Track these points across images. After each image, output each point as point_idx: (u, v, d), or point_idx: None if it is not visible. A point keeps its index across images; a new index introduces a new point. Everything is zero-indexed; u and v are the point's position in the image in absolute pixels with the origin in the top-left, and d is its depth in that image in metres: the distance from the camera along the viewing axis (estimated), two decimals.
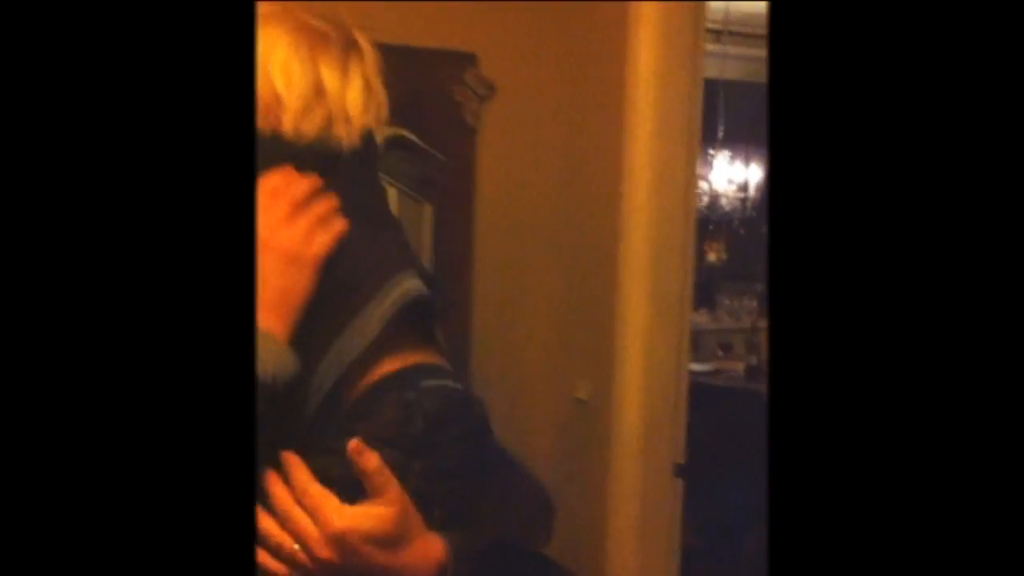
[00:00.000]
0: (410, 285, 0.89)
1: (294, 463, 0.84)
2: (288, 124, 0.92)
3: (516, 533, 1.01)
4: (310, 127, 0.92)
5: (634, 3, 2.26)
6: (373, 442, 0.83)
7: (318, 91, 0.93)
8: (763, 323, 5.01)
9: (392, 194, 1.60)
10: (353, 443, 0.82)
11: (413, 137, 1.42)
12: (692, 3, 2.34)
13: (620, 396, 2.37)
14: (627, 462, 2.38)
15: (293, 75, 0.93)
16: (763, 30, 4.46)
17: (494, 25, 2.21)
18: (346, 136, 0.94)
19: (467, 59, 2.20)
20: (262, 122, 0.91)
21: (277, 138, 0.91)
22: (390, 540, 0.84)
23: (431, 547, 0.87)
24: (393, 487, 0.84)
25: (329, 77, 0.94)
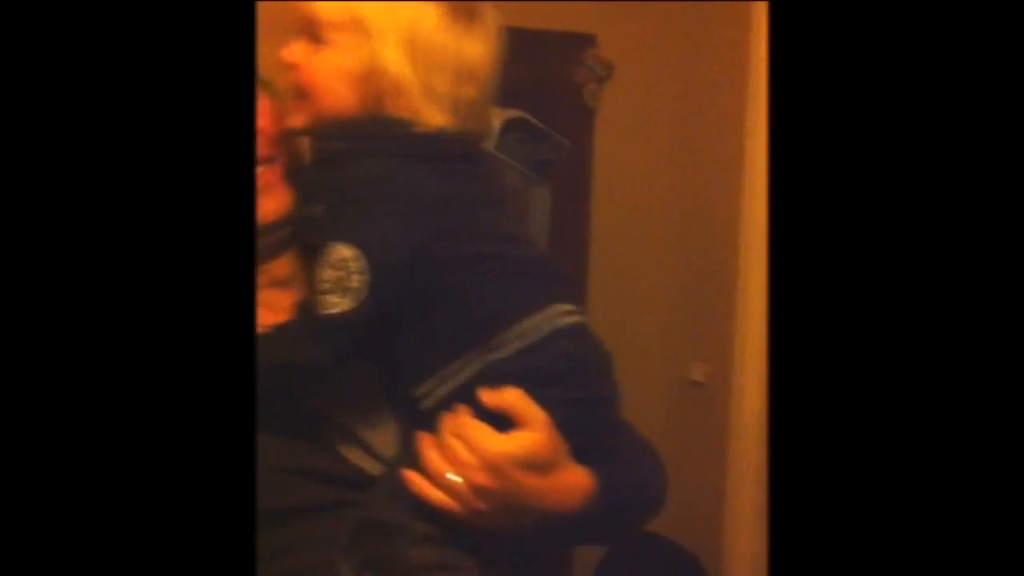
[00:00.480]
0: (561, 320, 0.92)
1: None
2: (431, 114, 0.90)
3: (644, 480, 1.03)
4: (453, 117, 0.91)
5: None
6: (516, 379, 0.88)
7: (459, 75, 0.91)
8: None
9: (511, 174, 1.62)
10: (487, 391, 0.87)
11: (531, 119, 1.43)
12: None
13: (739, 378, 2.34)
14: (745, 446, 2.35)
15: (434, 54, 0.90)
16: None
17: (614, 7, 2.21)
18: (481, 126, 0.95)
19: (587, 40, 2.20)
20: (381, 108, 0.90)
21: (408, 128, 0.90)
22: (540, 465, 0.87)
23: (579, 476, 0.91)
24: (538, 415, 0.88)
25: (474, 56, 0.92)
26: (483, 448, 0.87)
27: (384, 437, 0.97)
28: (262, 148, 0.93)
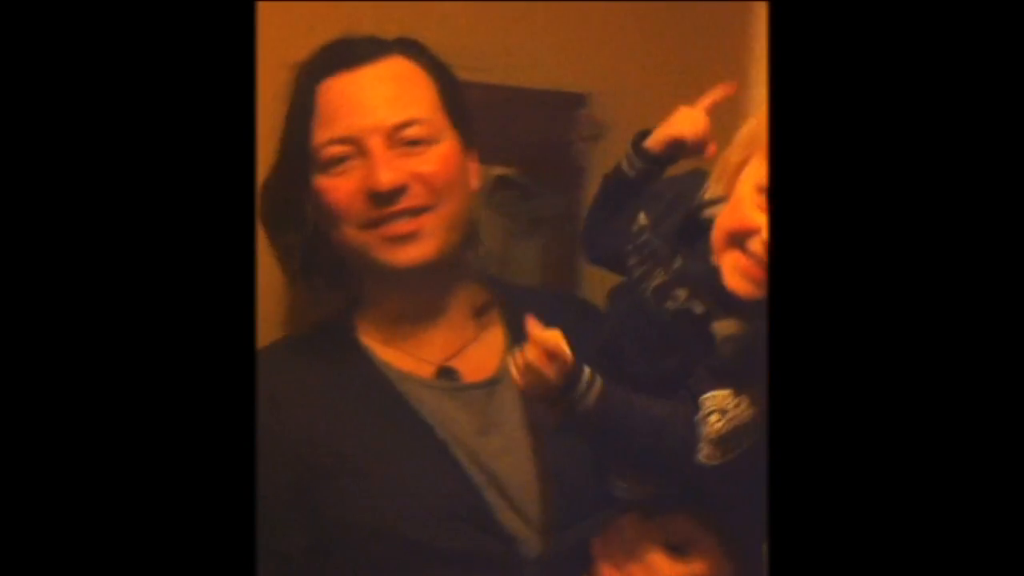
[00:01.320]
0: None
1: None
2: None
3: None
4: None
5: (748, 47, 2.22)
6: None
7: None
8: None
9: (502, 230, 1.62)
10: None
11: (522, 177, 1.45)
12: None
13: None
14: None
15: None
16: None
17: (605, 66, 2.22)
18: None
19: (577, 100, 2.22)
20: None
21: None
22: None
23: None
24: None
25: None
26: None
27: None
28: (425, 195, 0.98)
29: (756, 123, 1.06)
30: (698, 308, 1.09)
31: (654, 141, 1.22)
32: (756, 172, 1.04)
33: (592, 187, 2.30)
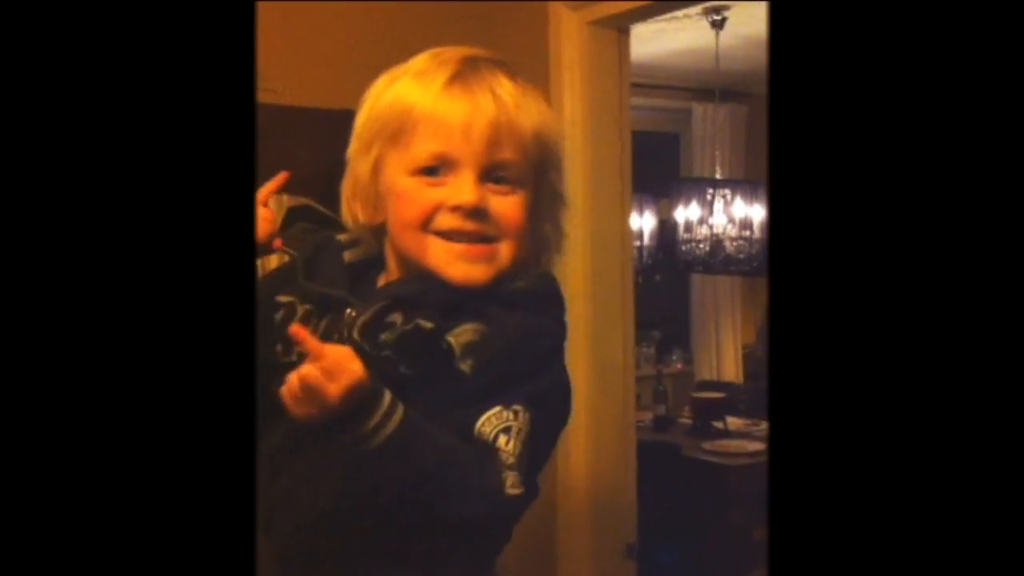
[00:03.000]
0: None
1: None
2: None
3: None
4: None
5: (555, 60, 2.09)
6: None
7: None
8: (667, 369, 4.72)
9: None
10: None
11: (319, 206, 1.32)
12: (618, 57, 2.25)
13: (564, 473, 2.22)
14: (575, 546, 2.21)
15: None
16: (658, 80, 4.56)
17: None
18: None
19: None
20: None
21: None
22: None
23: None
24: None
25: None
26: None
27: None
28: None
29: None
30: (426, 324, 0.94)
31: None
32: (395, 161, 0.98)
33: None
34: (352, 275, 1.03)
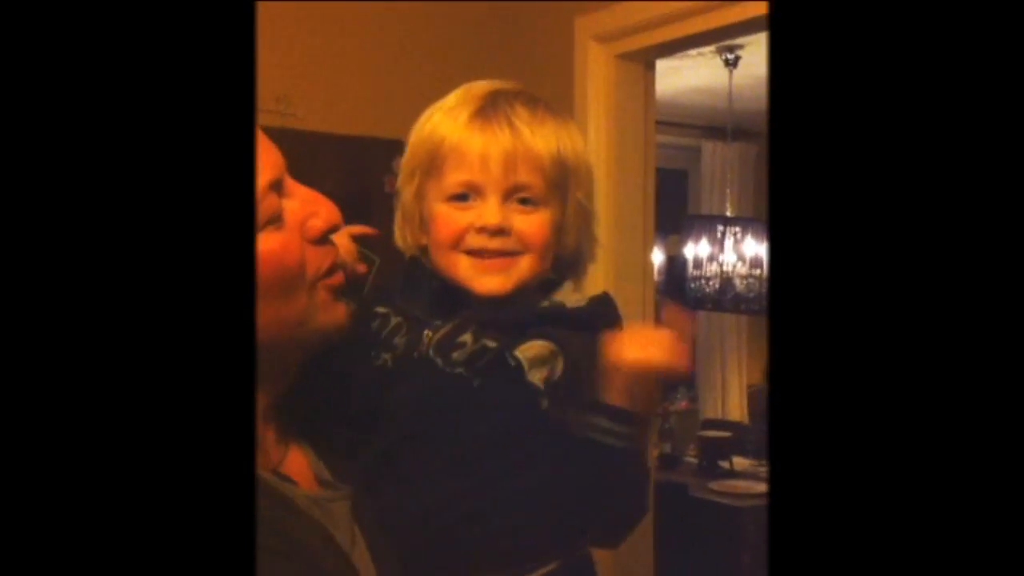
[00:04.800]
0: None
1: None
2: None
3: None
4: None
5: (581, 93, 2.08)
6: None
7: None
8: (673, 406, 4.62)
9: None
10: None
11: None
12: (643, 91, 2.27)
13: None
14: None
15: None
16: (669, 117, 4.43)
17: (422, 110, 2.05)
18: None
19: (395, 147, 2.04)
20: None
21: None
22: None
23: None
24: None
25: None
26: None
27: None
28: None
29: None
30: (490, 344, 1.03)
31: None
32: (432, 189, 1.08)
33: None
34: (432, 296, 1.12)
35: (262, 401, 0.91)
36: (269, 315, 0.84)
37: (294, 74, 1.93)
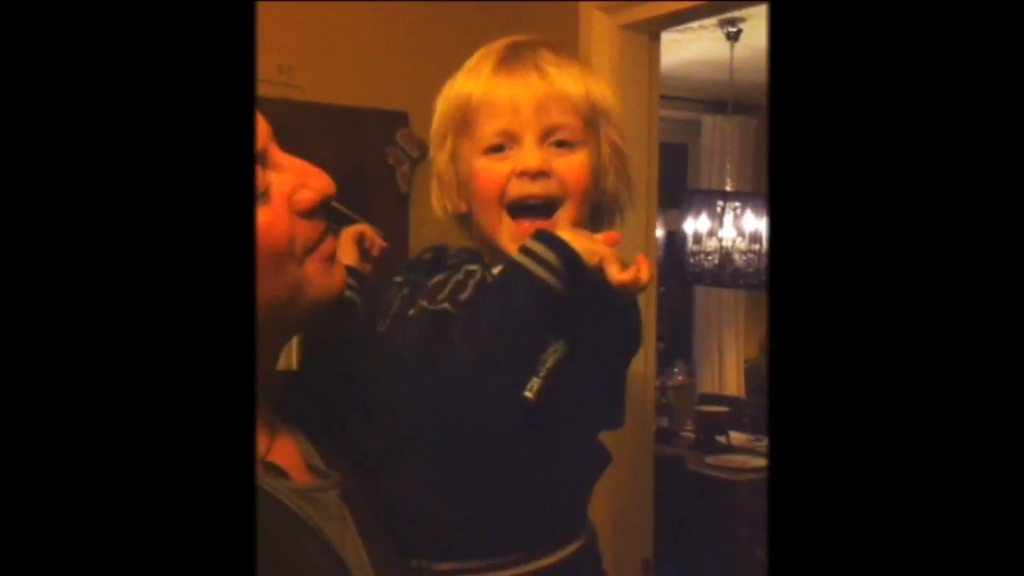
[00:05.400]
0: None
1: None
2: None
3: None
4: None
5: (584, 57, 2.05)
6: None
7: None
8: (670, 381, 4.63)
9: None
10: None
11: (340, 205, 1.35)
12: (648, 62, 2.25)
13: None
14: None
15: None
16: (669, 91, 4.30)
17: (426, 82, 2.03)
18: None
19: (398, 118, 2.01)
20: None
21: None
22: None
23: None
24: None
25: None
26: None
27: None
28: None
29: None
30: (472, 267, 1.09)
31: None
32: (467, 148, 1.08)
33: (416, 214, 2.12)
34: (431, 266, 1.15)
35: None
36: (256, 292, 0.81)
37: (297, 44, 1.90)
